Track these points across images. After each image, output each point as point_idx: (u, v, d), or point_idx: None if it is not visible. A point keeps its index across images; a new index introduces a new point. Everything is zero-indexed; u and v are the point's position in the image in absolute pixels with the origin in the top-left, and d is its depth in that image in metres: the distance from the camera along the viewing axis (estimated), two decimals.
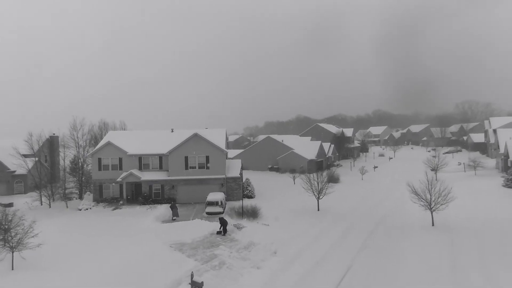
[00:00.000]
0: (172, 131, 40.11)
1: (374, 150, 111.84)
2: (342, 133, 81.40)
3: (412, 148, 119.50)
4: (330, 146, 69.65)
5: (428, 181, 25.45)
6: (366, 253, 20.15)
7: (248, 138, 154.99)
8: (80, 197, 39.14)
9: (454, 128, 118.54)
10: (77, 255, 19.82)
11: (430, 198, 24.90)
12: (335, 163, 68.64)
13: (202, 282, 14.62)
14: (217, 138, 37.24)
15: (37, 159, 46.12)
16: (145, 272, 17.13)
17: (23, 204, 36.38)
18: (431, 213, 24.98)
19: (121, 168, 35.66)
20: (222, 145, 36.14)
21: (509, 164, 43.59)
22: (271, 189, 42.71)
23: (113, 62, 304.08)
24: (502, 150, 48.51)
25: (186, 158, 34.99)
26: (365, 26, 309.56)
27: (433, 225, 24.83)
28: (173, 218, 28.28)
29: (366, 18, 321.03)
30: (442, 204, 24.49)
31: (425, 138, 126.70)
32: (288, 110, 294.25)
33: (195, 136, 35.18)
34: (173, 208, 28.93)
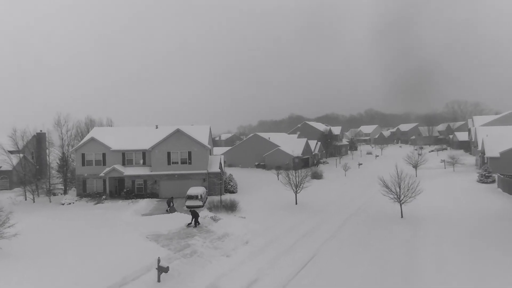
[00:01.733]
0: (157, 128, 40.76)
1: (363, 148, 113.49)
2: (330, 131, 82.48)
3: (400, 146, 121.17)
4: (316, 143, 70.67)
5: (398, 175, 26.49)
6: (333, 242, 21.10)
7: (241, 136, 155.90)
8: (65, 193, 39.62)
9: (441, 127, 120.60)
10: (54, 245, 20.47)
11: (399, 191, 25.96)
12: (322, 160, 69.70)
13: (168, 267, 15.41)
14: (200, 134, 37.97)
15: (22, 155, 46.51)
16: (119, 260, 17.84)
17: (7, 199, 36.76)
18: (400, 205, 26.04)
19: (104, 164, 36.23)
20: (205, 141, 36.87)
21: (485, 161, 44.98)
22: (254, 185, 43.58)
23: (105, 60, 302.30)
24: (480, 147, 49.95)
25: (169, 153, 35.68)
26: (360, 25, 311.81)
27: (402, 217, 25.87)
28: (167, 210, 28.84)
29: (361, 18, 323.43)
30: (410, 197, 25.55)
31: (413, 137, 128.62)
32: (281, 109, 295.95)
33: (178, 132, 35.87)
34: (170, 203, 29.34)
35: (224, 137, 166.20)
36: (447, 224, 24.03)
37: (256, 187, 41.94)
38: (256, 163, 62.98)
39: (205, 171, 35.60)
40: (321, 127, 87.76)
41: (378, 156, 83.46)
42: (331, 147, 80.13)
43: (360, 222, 25.58)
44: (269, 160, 61.04)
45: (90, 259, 17.90)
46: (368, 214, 27.88)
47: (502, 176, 35.44)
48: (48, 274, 16.00)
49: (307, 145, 64.62)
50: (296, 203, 31.95)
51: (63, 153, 51.18)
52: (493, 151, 43.07)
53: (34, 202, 36.64)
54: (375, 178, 49.88)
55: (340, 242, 21.05)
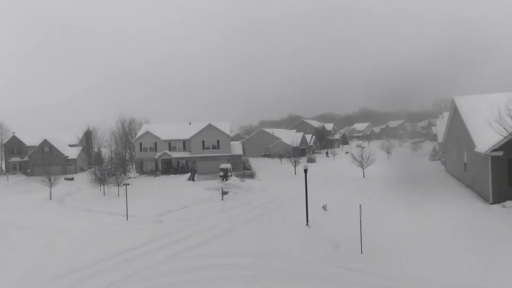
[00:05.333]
0: (190, 124, 54.68)
1: (355, 142, 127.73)
2: (323, 127, 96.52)
3: (388, 141, 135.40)
4: (312, 137, 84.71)
5: (361, 151, 40.46)
6: (318, 188, 34.92)
7: (243, 136, 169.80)
8: (124, 173, 53.44)
9: (424, 123, 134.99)
10: (152, 191, 34.45)
11: (362, 161, 39.93)
12: (316, 151, 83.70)
13: (228, 191, 29.30)
14: (224, 127, 51.89)
15: (81, 147, 60.80)
16: (195, 195, 31.77)
17: (82, 179, 50.58)
18: (363, 169, 39.97)
19: (156, 150, 50.09)
20: (227, 132, 50.79)
21: (437, 146, 58.98)
22: (264, 167, 57.53)
23: (108, 62, 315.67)
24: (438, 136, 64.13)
25: (203, 141, 49.60)
26: (356, 26, 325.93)
27: (364, 177, 39.77)
28: (193, 180, 42.90)
29: (357, 18, 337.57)
30: (368, 165, 39.51)
31: (400, 132, 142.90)
32: (281, 110, 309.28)
33: (209, 126, 49.82)
34: (193, 174, 43.47)
35: None
36: (393, 179, 37.93)
37: (265, 168, 55.87)
38: (263, 153, 76.91)
39: (229, 154, 49.51)
40: (316, 124, 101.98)
41: (364, 148, 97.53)
42: (324, 140, 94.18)
43: (337, 180, 39.47)
44: (273, 150, 74.96)
45: (178, 195, 31.85)
46: (343, 177, 41.80)
47: (443, 154, 49.37)
48: (158, 201, 29.98)
49: (303, 138, 78.61)
50: (295, 174, 45.85)
51: (99, 149, 66.12)
52: (440, 137, 57.03)
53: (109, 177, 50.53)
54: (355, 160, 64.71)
55: (324, 187, 34.93)
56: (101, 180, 34.01)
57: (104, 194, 34.20)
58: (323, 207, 23.56)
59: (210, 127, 49.84)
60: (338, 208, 23.55)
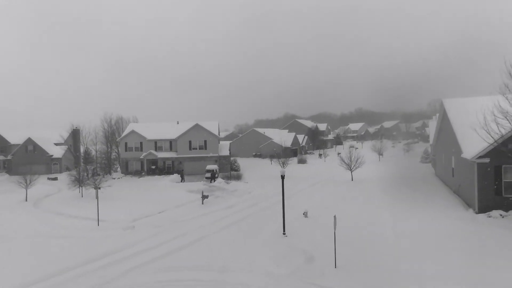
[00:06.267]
0: (178, 123, 53.43)
1: (351, 143, 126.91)
2: (316, 127, 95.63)
3: (381, 141, 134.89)
4: (304, 137, 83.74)
5: (350, 154, 39.48)
6: (304, 191, 33.91)
7: (238, 134, 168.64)
8: (109, 173, 52.14)
9: (418, 123, 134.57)
10: (130, 194, 33.25)
11: (350, 164, 38.94)
12: (308, 151, 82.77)
13: (208, 195, 28.20)
14: (212, 127, 50.70)
15: (66, 146, 59.30)
16: (176, 198, 30.66)
17: (65, 179, 49.21)
18: (351, 172, 39.01)
19: (141, 150, 48.84)
20: (216, 132, 49.62)
21: (429, 148, 58.25)
22: (253, 168, 56.46)
23: (102, 56, 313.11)
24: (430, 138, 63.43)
25: (190, 141, 48.42)
26: (355, 27, 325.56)
27: (352, 180, 38.81)
28: (182, 181, 41.74)
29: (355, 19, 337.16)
30: (357, 167, 38.53)
31: (395, 133, 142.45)
32: (277, 109, 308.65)
33: (196, 125, 48.63)
34: (182, 175, 42.36)
35: (222, 134, 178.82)
36: (380, 182, 37.03)
37: (254, 169, 54.81)
38: (254, 153, 75.84)
39: (217, 155, 48.37)
40: (308, 123, 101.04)
41: (357, 148, 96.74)
42: (317, 140, 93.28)
43: (325, 183, 38.50)
44: (264, 150, 73.93)
45: (158, 198, 30.71)
46: (331, 179, 40.83)
47: (434, 157, 48.57)
48: (136, 204, 28.81)
49: (295, 138, 77.62)
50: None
51: (86, 147, 64.35)
52: (432, 139, 56.30)
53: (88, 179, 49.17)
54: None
55: (308, 190, 33.91)
56: (79, 181, 32.74)
57: (82, 196, 33.00)
58: (304, 214, 22.56)
59: (197, 127, 48.68)
60: (319, 215, 22.57)
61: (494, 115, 14.87)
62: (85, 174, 38.80)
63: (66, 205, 29.65)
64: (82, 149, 67.79)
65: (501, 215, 18.14)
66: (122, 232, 21.10)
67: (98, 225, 22.59)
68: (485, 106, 16.22)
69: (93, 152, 63.75)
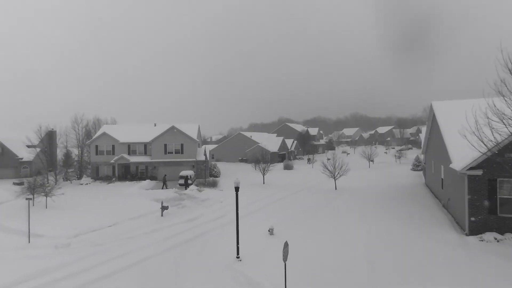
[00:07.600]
0: (155, 125, 50.22)
1: (344, 149, 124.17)
2: (307, 131, 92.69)
3: (376, 147, 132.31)
4: (293, 142, 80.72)
5: (334, 160, 36.47)
6: (281, 201, 30.83)
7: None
8: (79, 178, 48.71)
9: (412, 129, 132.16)
10: (86, 202, 29.95)
11: (334, 171, 35.93)
12: (298, 157, 79.72)
13: (168, 206, 25.01)
14: (191, 130, 47.55)
15: (39, 149, 55.70)
16: (135, 208, 27.44)
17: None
18: (335, 180, 35.99)
19: (113, 153, 45.54)
20: (194, 136, 46.46)
21: (420, 156, 55.46)
22: (235, 173, 53.25)
23: (97, 60, 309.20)
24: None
25: (165, 145, 45.19)
26: (353, 29, 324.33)
27: (336, 188, 35.79)
28: (163, 187, 38.41)
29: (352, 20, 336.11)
30: (341, 175, 35.53)
31: (389, 139, 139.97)
32: (272, 113, 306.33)
33: (172, 128, 45.44)
34: (164, 181, 38.96)
35: (215, 138, 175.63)
36: (365, 192, 34.05)
37: (236, 174, 51.52)
38: (240, 158, 72.66)
39: (194, 159, 45.19)
40: (298, 127, 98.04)
41: (349, 154, 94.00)
42: (308, 145, 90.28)
43: (307, 192, 35.44)
44: (250, 155, 70.70)
45: (116, 208, 27.45)
46: (314, 188, 37.78)
47: (424, 164, 45.74)
48: (86, 216, 25.53)
49: (283, 143, 74.57)
50: (264, 183, 41.69)
51: (67, 149, 60.63)
52: (423, 146, 53.53)
53: (56, 184, 45.71)
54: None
55: (287, 200, 30.81)
56: (30, 188, 29.39)
57: (33, 205, 29.60)
58: (269, 231, 19.48)
59: (173, 129, 45.52)
60: (287, 231, 19.50)
61: (488, 118, 11.95)
62: (45, 180, 35.48)
63: (11, 216, 26.29)
64: (59, 152, 64.17)
65: (495, 238, 15.18)
66: (53, 251, 17.93)
67: (29, 242, 19.33)
68: (477, 107, 13.30)
69: (73, 155, 60.26)
